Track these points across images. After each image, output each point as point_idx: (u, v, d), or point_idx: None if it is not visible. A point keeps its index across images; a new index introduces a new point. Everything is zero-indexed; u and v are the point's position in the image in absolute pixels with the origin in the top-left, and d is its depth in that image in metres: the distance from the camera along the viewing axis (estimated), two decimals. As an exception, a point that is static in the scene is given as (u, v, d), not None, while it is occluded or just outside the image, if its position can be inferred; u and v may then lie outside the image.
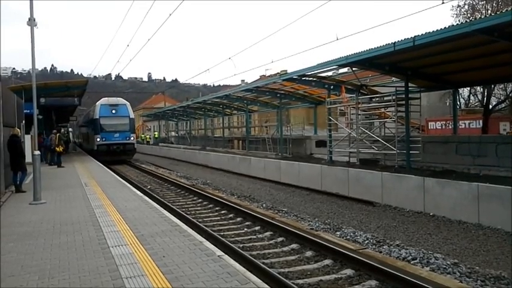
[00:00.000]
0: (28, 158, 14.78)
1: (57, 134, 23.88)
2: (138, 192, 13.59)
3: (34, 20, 12.35)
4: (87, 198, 12.26)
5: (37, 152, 12.64)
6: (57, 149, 23.11)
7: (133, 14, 33.11)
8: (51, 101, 25.63)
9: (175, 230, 8.16)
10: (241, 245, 9.72)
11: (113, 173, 19.12)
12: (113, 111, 32.48)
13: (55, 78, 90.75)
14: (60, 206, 11.15)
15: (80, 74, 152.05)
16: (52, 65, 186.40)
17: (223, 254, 6.65)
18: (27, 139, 20.36)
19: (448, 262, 8.44)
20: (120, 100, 34.24)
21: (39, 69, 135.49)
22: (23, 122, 20.39)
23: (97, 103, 33.61)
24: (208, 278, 5.49)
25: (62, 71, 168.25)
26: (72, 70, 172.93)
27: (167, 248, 6.91)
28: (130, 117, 33.29)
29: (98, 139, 31.48)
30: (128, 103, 34.47)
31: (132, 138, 32.87)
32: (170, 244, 7.13)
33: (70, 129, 60.16)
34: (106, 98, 34.32)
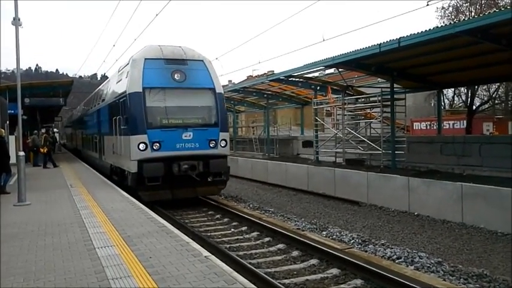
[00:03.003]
0: (12, 159, 14.62)
1: (44, 135, 23.66)
2: (125, 193, 13.51)
3: (19, 19, 12.23)
4: (72, 200, 12.16)
5: (22, 153, 12.51)
6: (42, 149, 22.87)
7: (120, 14, 32.88)
8: (36, 101, 25.21)
9: (162, 231, 8.14)
10: (228, 246, 9.75)
11: (99, 175, 18.97)
12: (176, 76, 14.36)
13: (40, 78, 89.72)
14: (45, 208, 11.04)
15: (65, 74, 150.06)
16: (37, 65, 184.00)
17: (210, 254, 6.67)
18: (12, 140, 20.14)
19: (432, 261, 8.58)
20: (188, 50, 15.12)
21: (24, 68, 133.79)
22: (7, 122, 20.14)
23: (134, 57, 14.74)
24: (195, 278, 5.50)
25: (47, 71, 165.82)
26: (57, 70, 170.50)
27: (154, 249, 6.90)
28: (217, 91, 14.82)
29: (141, 147, 13.51)
30: (207, 58, 15.35)
31: (223, 144, 14.58)
32: (157, 245, 7.12)
33: (55, 130, 59.05)
34: (156, 46, 14.89)
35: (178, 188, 14.01)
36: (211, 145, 14.12)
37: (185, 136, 13.74)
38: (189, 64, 14.66)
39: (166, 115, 13.93)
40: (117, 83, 16.41)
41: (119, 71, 16.59)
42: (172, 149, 13.58)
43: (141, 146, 13.37)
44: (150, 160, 13.33)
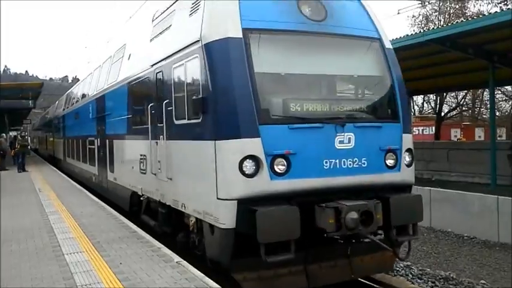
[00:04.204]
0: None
1: (17, 136, 23.39)
2: (95, 198, 13.27)
3: (-14, 19, 11.94)
4: (40, 204, 11.87)
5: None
6: (13, 151, 22.54)
7: (92, 16, 32.40)
8: (4, 103, 24.65)
9: (133, 237, 8.03)
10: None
11: (68, 178, 18.57)
12: (308, 10, 6.38)
13: (8, 80, 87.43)
14: (11, 212, 10.75)
15: (35, 75, 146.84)
16: (5, 66, 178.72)
17: (182, 260, 6.61)
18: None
19: (401, 264, 8.74)
20: None
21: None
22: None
23: None
24: (166, 284, 5.45)
25: (16, 73, 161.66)
26: (26, 71, 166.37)
27: (124, 254, 6.80)
28: (386, 45, 7.39)
29: (248, 168, 5.67)
30: None
31: (408, 160, 6.83)
32: (127, 251, 7.02)
33: (25, 133, 56.80)
34: None
35: (319, 262, 6.39)
36: (388, 163, 6.66)
37: (340, 143, 6.22)
38: None
39: (300, 94, 6.57)
40: (154, 38, 8.51)
41: (154, 19, 8.82)
42: (319, 172, 6.07)
43: (248, 166, 5.77)
44: (268, 198, 5.84)
